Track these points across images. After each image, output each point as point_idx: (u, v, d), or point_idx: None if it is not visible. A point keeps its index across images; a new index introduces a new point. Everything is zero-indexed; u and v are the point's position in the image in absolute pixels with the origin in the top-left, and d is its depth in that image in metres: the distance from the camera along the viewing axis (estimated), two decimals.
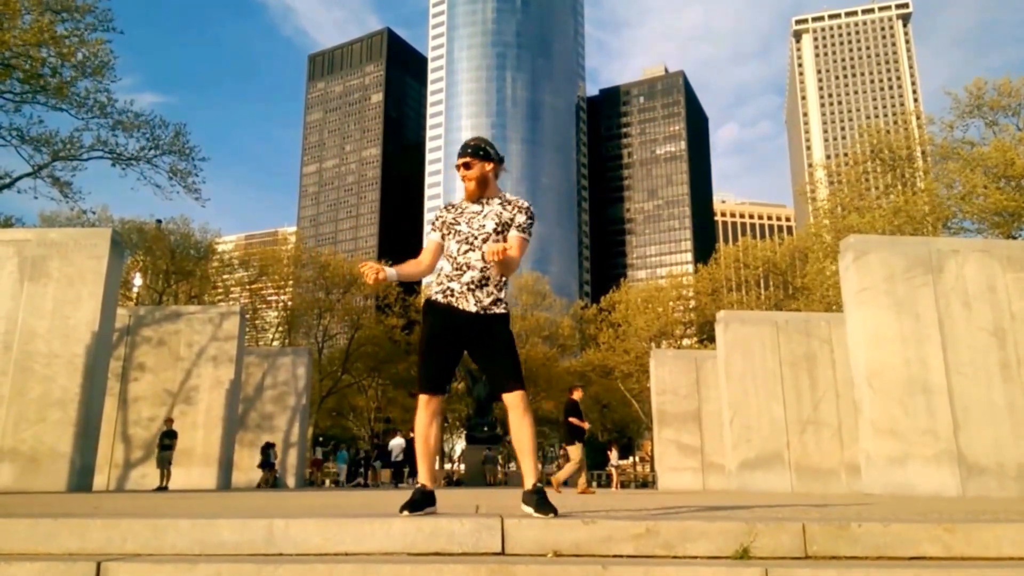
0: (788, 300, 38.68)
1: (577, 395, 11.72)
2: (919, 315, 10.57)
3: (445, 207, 3.70)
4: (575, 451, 11.19)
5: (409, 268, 3.61)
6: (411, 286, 53.53)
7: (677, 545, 2.71)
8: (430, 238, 3.67)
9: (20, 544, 2.80)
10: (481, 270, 3.45)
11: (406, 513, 3.14)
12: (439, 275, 3.56)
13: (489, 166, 3.54)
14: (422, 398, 3.46)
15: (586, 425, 11.64)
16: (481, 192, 3.56)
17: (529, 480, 3.28)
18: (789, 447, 14.77)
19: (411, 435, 29.21)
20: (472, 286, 3.44)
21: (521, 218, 3.52)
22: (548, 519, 2.86)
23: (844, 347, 12.64)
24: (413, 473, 29.07)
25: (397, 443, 27.23)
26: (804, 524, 2.76)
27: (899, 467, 10.01)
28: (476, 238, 3.48)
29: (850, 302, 11.17)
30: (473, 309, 3.43)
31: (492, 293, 3.46)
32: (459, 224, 3.54)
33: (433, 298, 3.52)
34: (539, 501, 3.10)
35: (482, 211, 3.54)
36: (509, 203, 3.56)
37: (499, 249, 3.18)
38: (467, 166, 3.52)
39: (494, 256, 3.18)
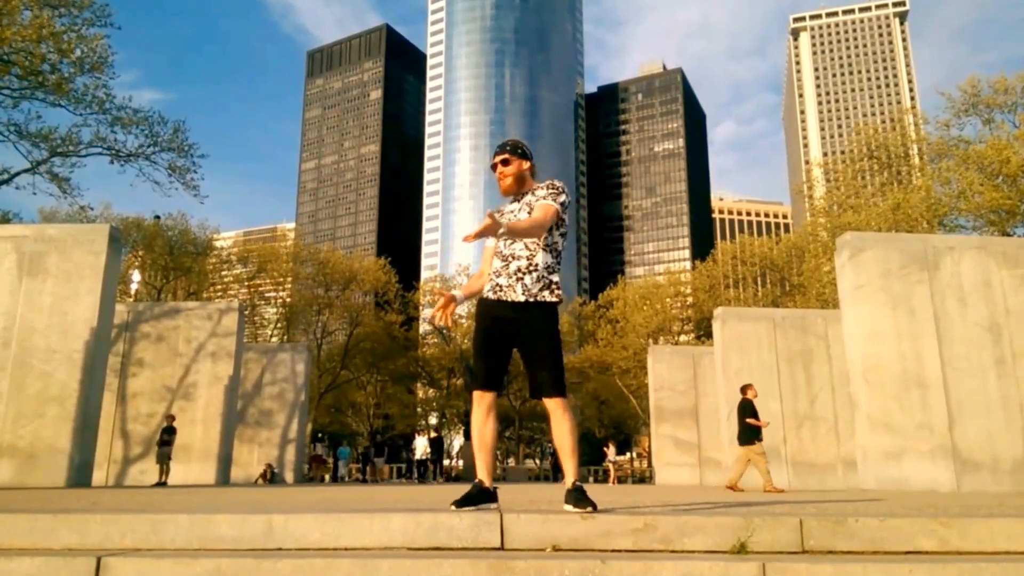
0: (785, 297, 38.79)
1: (751, 394, 11.44)
2: (915, 311, 10.60)
3: (496, 212, 3.74)
4: (755, 450, 10.95)
5: (474, 284, 3.67)
6: (409, 282, 53.52)
7: (675, 540, 2.72)
8: (485, 244, 3.74)
9: (19, 539, 2.81)
10: (528, 258, 3.50)
11: (453, 508, 3.18)
12: (490, 275, 3.59)
13: (526, 164, 3.66)
14: (476, 394, 3.48)
15: (765, 424, 11.36)
16: (518, 188, 3.66)
17: (568, 479, 3.32)
18: (786, 442, 14.80)
19: (433, 434, 29.34)
20: (520, 273, 3.47)
21: (541, 192, 3.58)
22: (547, 516, 2.88)
23: (840, 343, 12.67)
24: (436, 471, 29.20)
25: (421, 442, 27.35)
26: (801, 519, 2.78)
27: (895, 462, 10.05)
28: None
29: (846, 298, 11.19)
30: (521, 298, 3.43)
31: (543, 278, 3.49)
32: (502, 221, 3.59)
33: (484, 295, 3.57)
34: (577, 497, 3.13)
35: (518, 206, 3.64)
36: (537, 188, 3.65)
37: (479, 229, 3.09)
38: (505, 163, 3.62)
39: (470, 238, 3.10)
